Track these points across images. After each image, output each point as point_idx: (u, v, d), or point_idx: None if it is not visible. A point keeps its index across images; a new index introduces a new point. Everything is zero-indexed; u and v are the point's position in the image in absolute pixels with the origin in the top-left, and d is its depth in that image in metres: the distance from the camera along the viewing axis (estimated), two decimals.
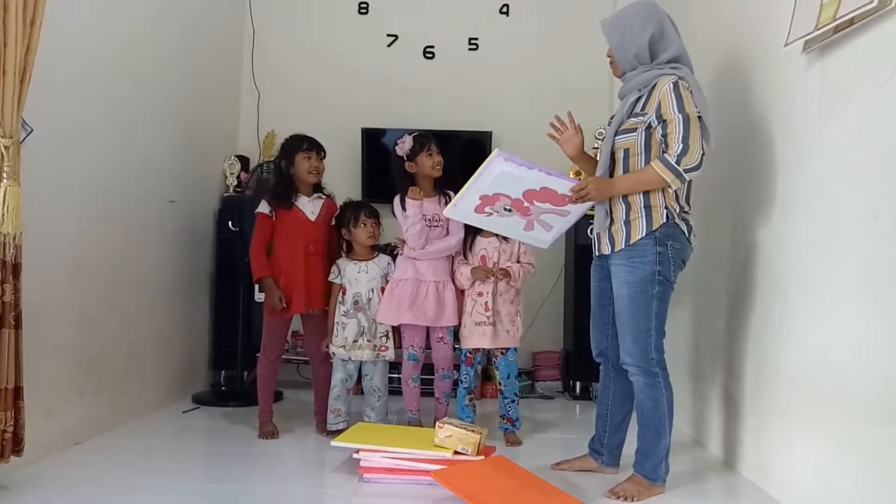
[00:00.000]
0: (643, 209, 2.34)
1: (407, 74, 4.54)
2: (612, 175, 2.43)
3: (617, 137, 2.40)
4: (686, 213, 2.40)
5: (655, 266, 2.31)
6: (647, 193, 2.34)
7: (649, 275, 2.31)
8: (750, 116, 2.63)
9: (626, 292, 2.34)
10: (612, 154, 2.42)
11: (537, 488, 2.31)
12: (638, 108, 2.35)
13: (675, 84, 2.28)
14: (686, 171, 2.24)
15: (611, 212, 2.40)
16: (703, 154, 2.25)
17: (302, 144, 3.08)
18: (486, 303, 3.00)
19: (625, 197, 2.36)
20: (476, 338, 3.02)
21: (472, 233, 3.04)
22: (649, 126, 2.32)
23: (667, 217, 2.33)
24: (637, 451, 2.40)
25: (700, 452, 2.92)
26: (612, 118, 2.58)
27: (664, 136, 2.29)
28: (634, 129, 2.35)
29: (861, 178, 1.92)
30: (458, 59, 4.55)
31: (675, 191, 2.33)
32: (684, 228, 2.37)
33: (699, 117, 2.27)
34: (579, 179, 2.40)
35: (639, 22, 2.38)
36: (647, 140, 2.34)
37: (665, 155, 2.27)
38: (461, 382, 3.09)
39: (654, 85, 2.33)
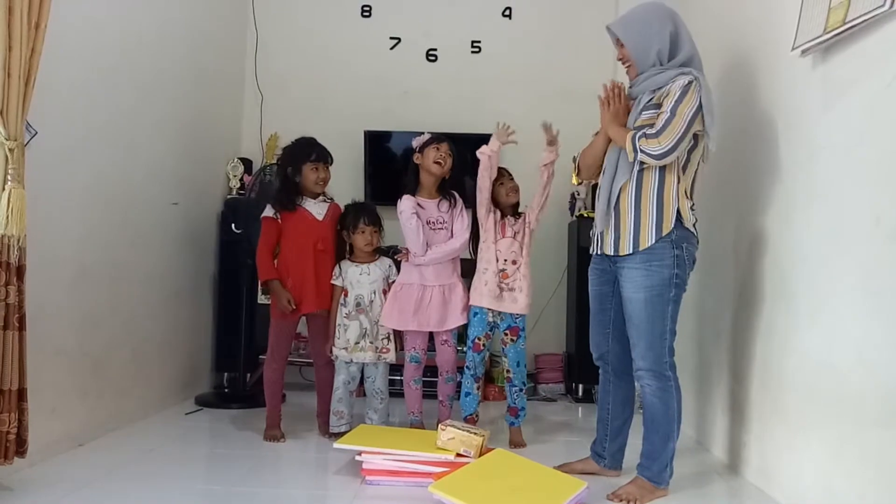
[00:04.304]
0: (654, 207, 2.31)
1: (410, 77, 4.55)
2: (639, 179, 2.35)
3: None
4: (692, 208, 2.39)
5: (673, 269, 2.31)
6: (660, 192, 2.31)
7: (667, 278, 2.31)
8: (753, 119, 2.63)
9: (642, 297, 2.32)
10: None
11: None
12: (651, 105, 2.34)
13: (688, 83, 2.27)
14: (642, 150, 2.26)
15: (617, 210, 2.37)
16: (668, 151, 2.23)
17: (311, 154, 3.03)
18: (502, 270, 2.97)
19: (637, 196, 2.33)
20: (483, 297, 2.98)
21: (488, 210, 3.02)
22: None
23: (677, 218, 2.31)
24: (643, 454, 2.40)
25: (703, 455, 2.91)
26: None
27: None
28: (652, 125, 2.30)
29: (863, 182, 1.92)
30: (461, 62, 4.57)
31: (688, 189, 2.34)
32: (694, 231, 2.36)
33: (692, 119, 2.24)
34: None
35: (657, 21, 2.37)
36: None
37: (644, 129, 2.27)
38: (467, 370, 3.05)
39: (670, 87, 2.31)
